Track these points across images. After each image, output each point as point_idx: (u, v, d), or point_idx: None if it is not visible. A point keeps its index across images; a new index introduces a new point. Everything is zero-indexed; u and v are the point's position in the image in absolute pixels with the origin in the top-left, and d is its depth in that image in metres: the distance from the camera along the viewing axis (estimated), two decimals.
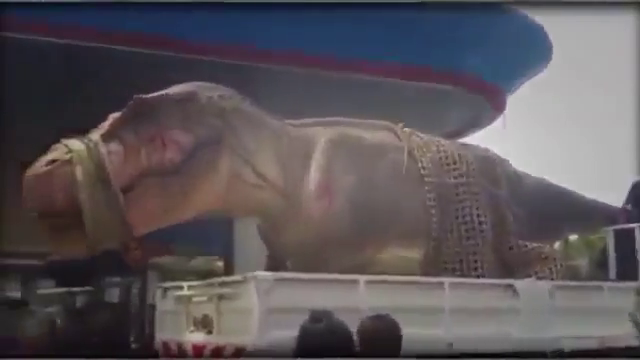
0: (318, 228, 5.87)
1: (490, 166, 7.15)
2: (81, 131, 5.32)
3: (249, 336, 5.04)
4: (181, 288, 6.26)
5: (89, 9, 8.73)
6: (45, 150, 5.21)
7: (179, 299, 6.15)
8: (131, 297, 11.50)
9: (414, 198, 6.39)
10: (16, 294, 15.54)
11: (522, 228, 7.04)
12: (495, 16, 11.31)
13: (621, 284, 7.14)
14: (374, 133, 6.66)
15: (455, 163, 6.76)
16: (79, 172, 4.98)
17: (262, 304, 4.99)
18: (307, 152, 6.08)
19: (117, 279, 12.44)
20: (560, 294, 6.43)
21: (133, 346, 8.59)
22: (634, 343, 6.16)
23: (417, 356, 4.02)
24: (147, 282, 11.11)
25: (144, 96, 5.42)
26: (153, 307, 7.26)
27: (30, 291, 15.53)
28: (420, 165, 6.57)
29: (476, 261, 6.49)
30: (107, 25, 9.08)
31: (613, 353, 6.27)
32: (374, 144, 6.49)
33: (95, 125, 5.39)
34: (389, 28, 10.23)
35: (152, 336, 6.74)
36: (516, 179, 7.51)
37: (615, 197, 8.97)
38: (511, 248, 6.90)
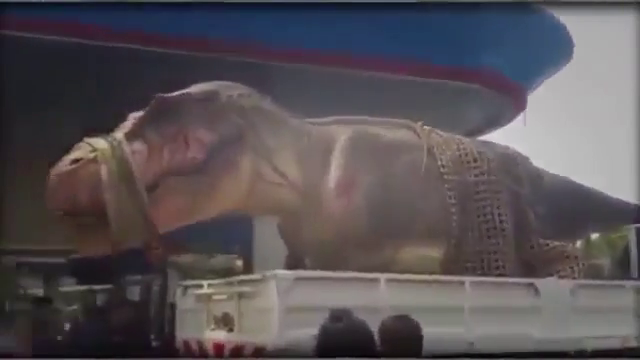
0: (338, 226, 5.86)
1: (511, 164, 7.09)
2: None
3: (269, 335, 5.04)
4: (201, 286, 6.29)
5: (105, 8, 8.76)
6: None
7: (199, 297, 6.17)
8: (151, 295, 11.56)
9: (434, 196, 6.36)
10: (38, 291, 15.68)
11: (543, 226, 6.98)
12: (519, 15, 11.24)
13: None
14: (393, 131, 6.64)
15: (475, 161, 6.71)
16: (104, 171, 5.00)
17: (282, 303, 4.99)
18: (327, 150, 6.08)
19: (137, 277, 12.51)
20: (582, 293, 6.37)
21: (154, 344, 8.62)
22: None
23: (438, 356, 4.01)
24: (167, 280, 11.16)
25: (166, 95, 5.45)
26: (173, 305, 7.29)
27: (52, 289, 15.66)
28: (440, 163, 6.54)
29: (497, 260, 6.45)
30: (115, 25, 9.10)
31: (636, 352, 6.21)
32: (394, 142, 6.47)
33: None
34: (410, 26, 10.19)
35: (172, 334, 6.77)
36: (537, 177, 7.45)
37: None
38: (532, 247, 6.85)
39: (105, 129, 5.41)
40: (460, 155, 6.71)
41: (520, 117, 13.81)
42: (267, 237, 8.17)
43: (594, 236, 13.35)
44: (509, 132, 14.40)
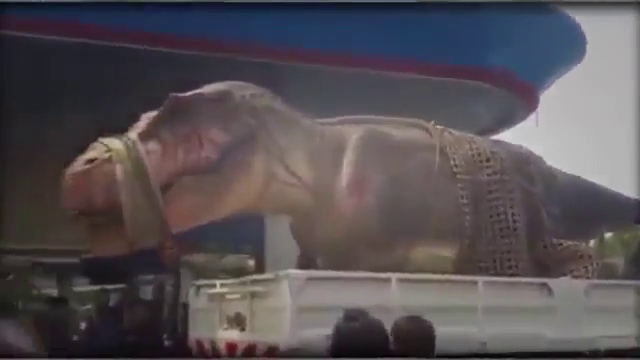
0: (349, 226, 5.85)
1: (524, 163, 7.06)
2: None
3: (281, 334, 5.05)
4: (214, 286, 6.30)
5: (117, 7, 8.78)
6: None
7: (212, 297, 6.19)
8: (164, 295, 11.60)
9: (447, 196, 6.33)
10: (52, 291, 15.76)
11: (556, 226, 6.95)
12: (532, 14, 11.21)
13: None
14: (405, 130, 6.63)
15: (488, 160, 6.68)
16: (119, 171, 5.02)
17: (294, 302, 4.99)
18: (338, 150, 6.07)
19: (149, 277, 12.56)
20: (596, 293, 6.34)
21: (166, 344, 8.66)
22: None
23: (450, 356, 3.99)
24: (179, 280, 11.19)
25: (180, 95, 5.46)
26: (186, 305, 7.31)
27: (65, 289, 15.74)
28: (452, 162, 6.52)
29: (510, 259, 6.42)
30: (115, 24, 9.12)
31: None
32: (406, 141, 6.45)
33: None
34: (421, 26, 10.18)
35: (185, 334, 6.78)
36: (550, 176, 7.40)
37: None
38: (545, 246, 6.81)
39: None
40: (473, 154, 6.68)
41: (532, 117, 13.78)
42: (279, 237, 8.18)
43: (607, 235, 13.28)
44: (510, 132, 14.36)
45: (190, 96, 5.53)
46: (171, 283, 11.49)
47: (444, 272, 6.00)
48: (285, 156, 5.79)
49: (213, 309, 6.10)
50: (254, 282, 5.73)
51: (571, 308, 6.15)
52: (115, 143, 5.16)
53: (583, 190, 7.82)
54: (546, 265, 6.75)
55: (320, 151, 6.02)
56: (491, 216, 6.48)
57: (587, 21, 12.30)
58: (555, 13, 11.70)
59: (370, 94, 9.77)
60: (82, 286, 15.02)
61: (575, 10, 11.85)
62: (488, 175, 6.62)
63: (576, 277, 6.63)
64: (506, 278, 6.25)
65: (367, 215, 5.90)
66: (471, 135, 7.13)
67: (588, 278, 6.67)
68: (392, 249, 5.97)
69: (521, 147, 7.40)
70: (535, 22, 11.34)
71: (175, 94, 5.41)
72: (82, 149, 5.27)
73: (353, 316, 2.88)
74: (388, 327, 3.12)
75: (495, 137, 10.97)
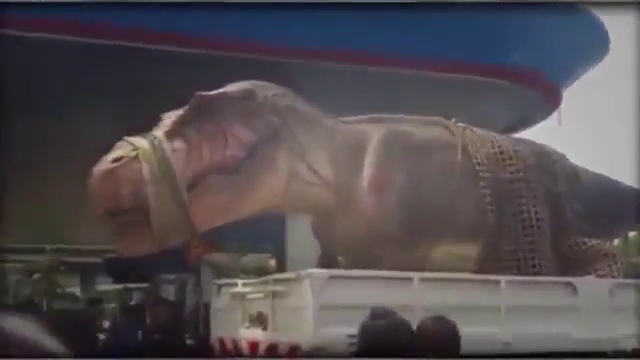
0: (371, 225, 5.83)
1: (547, 161, 6.99)
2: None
3: (303, 333, 5.04)
4: (236, 285, 6.31)
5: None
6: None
7: (234, 296, 6.19)
8: (185, 294, 11.66)
9: (469, 194, 6.29)
10: (75, 290, 15.94)
11: (580, 224, 6.87)
12: (558, 14, 11.14)
13: None
14: (427, 129, 6.59)
15: (511, 158, 6.62)
16: (146, 169, 5.02)
17: (316, 301, 4.98)
18: (360, 149, 6.05)
19: (171, 276, 12.63)
20: (620, 292, 6.25)
21: (188, 343, 8.70)
22: None
23: (473, 355, 3.96)
24: (200, 279, 11.24)
25: (205, 93, 5.47)
26: (207, 304, 7.33)
27: (89, 288, 15.91)
28: (475, 161, 6.46)
29: (534, 258, 6.35)
30: (115, 23, 9.14)
31: None
32: (427, 140, 6.42)
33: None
34: (444, 25, 10.15)
35: (207, 333, 6.80)
36: (574, 174, 7.33)
37: None
38: (569, 245, 6.74)
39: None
40: (495, 152, 6.62)
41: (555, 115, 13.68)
42: (299, 236, 8.17)
43: (632, 234, 13.12)
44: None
45: (215, 95, 5.54)
46: (192, 282, 11.56)
47: (466, 271, 5.96)
48: (307, 155, 5.79)
49: (235, 308, 6.11)
50: (276, 281, 5.73)
51: (596, 307, 6.07)
52: (141, 142, 5.17)
53: (607, 188, 7.72)
54: (570, 264, 6.68)
55: (342, 150, 6.00)
56: (514, 215, 6.42)
57: None
58: (579, 12, 11.62)
59: (394, 93, 9.75)
60: (105, 285, 15.17)
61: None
62: (511, 173, 6.56)
63: (600, 276, 6.56)
64: (530, 277, 6.19)
65: (389, 214, 5.88)
66: (493, 133, 7.07)
67: (613, 277, 6.59)
68: (414, 248, 5.94)
69: (544, 146, 7.33)
70: (560, 21, 11.27)
71: (200, 93, 5.42)
72: (101, 148, 5.29)
73: (379, 314, 2.86)
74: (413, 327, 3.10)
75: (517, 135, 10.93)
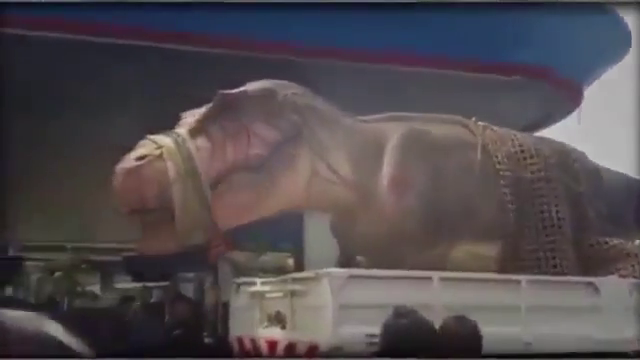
0: (390, 224, 5.81)
1: (568, 160, 6.92)
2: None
3: (322, 332, 5.03)
4: (254, 284, 6.31)
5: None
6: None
7: (252, 295, 6.20)
8: (204, 293, 11.70)
9: (489, 193, 6.24)
10: (95, 288, 16.06)
11: (602, 224, 6.80)
12: (580, 13, 11.06)
13: None
14: (447, 128, 6.55)
15: (532, 157, 6.56)
16: (170, 168, 5.03)
17: (335, 300, 4.97)
18: (379, 148, 6.03)
19: (190, 275, 12.68)
20: None
21: (207, 341, 8.71)
22: None
23: (494, 355, 3.94)
24: (219, 278, 11.28)
25: (228, 91, 5.47)
26: (226, 303, 7.34)
27: (108, 286, 16.02)
28: (495, 159, 6.41)
29: (555, 258, 6.29)
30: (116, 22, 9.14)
31: None
32: (447, 139, 6.38)
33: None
34: (461, 24, 10.11)
35: (226, 332, 6.81)
36: (595, 173, 7.25)
37: None
38: (591, 245, 6.67)
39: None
40: (516, 151, 6.57)
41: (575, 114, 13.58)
42: (318, 235, 8.16)
43: None
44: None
45: (237, 93, 5.54)
46: (210, 281, 11.59)
47: (487, 271, 5.91)
48: (327, 153, 5.78)
49: (253, 307, 6.11)
50: (295, 280, 5.72)
51: (617, 308, 6.00)
52: (164, 140, 5.18)
53: (629, 187, 7.65)
54: (592, 263, 6.61)
55: (361, 149, 5.98)
56: (535, 214, 6.36)
57: None
58: (602, 12, 11.54)
59: (411, 92, 9.72)
60: (125, 283, 15.26)
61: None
62: (532, 172, 6.50)
63: (623, 276, 6.48)
64: (551, 277, 6.14)
65: (408, 213, 5.85)
66: (514, 132, 7.01)
67: (635, 277, 6.51)
68: (433, 247, 5.90)
69: (565, 144, 7.26)
70: (582, 20, 11.18)
71: (223, 91, 5.42)
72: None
73: (402, 313, 2.85)
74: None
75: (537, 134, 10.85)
